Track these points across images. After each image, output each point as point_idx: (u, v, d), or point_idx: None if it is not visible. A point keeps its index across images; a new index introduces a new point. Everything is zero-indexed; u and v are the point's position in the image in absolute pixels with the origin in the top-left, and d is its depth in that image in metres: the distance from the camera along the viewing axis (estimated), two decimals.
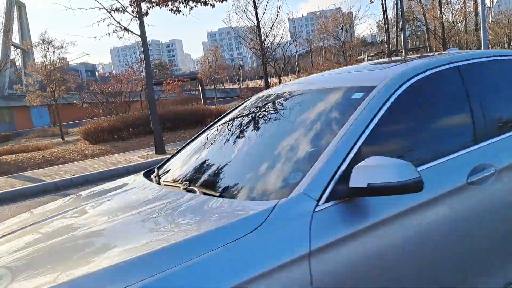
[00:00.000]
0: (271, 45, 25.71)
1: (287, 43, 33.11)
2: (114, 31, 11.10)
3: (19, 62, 65.69)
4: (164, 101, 32.01)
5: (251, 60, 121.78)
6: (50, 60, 24.17)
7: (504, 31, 29.79)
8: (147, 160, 10.78)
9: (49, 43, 23.73)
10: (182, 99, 35.18)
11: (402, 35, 16.08)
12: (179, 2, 11.67)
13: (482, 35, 16.65)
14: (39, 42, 24.84)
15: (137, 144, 14.19)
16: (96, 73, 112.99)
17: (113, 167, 10.44)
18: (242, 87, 49.45)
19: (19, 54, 65.89)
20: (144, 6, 11.54)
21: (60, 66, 26.14)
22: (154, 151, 11.76)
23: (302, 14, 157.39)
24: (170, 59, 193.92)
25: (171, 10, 11.70)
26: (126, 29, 11.26)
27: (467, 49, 33.18)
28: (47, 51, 24.11)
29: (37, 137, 30.10)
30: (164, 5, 11.53)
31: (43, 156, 13.40)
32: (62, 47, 24.55)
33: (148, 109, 12.12)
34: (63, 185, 9.57)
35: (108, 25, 10.73)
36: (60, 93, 25.52)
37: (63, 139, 23.85)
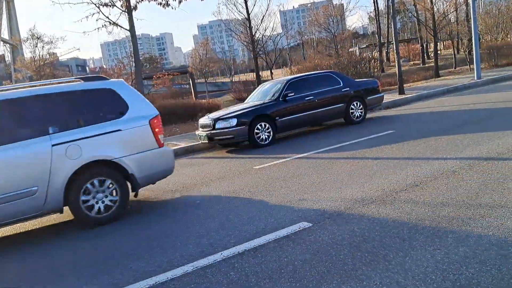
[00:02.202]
0: (262, 38, 25.61)
1: (278, 35, 33.00)
2: (103, 26, 11.00)
3: (8, 58, 64.97)
4: (155, 96, 31.83)
5: (242, 53, 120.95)
6: (39, 56, 23.88)
7: (494, 21, 29.89)
8: None
9: (38, 38, 23.44)
10: (173, 93, 34.95)
11: (392, 27, 16.05)
12: None
13: (472, 26, 16.70)
14: (27, 37, 24.55)
15: None
16: (87, 68, 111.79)
17: None
18: (233, 80, 49.17)
19: (8, 49, 65.13)
20: (133, 0, 11.45)
21: (50, 61, 25.84)
22: None
23: (293, 6, 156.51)
24: (161, 52, 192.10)
25: (160, 3, 11.61)
26: (115, 23, 11.17)
27: (458, 39, 33.21)
28: (36, 46, 23.83)
29: None
30: None
31: None
32: (52, 42, 24.27)
33: None
34: None
35: (96, 20, 10.64)
36: None
37: None
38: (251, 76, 47.87)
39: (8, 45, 64.41)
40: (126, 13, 11.26)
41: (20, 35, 59.76)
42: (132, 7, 11.35)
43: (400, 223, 3.98)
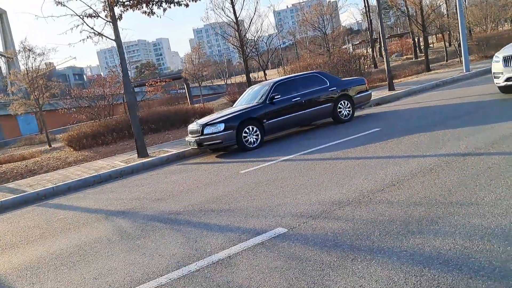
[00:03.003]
0: (254, 39, 25.63)
1: (269, 36, 33.00)
2: (88, 37, 11.01)
3: (5, 71, 65.01)
4: (150, 102, 31.90)
5: (239, 55, 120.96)
6: (32, 68, 23.91)
7: (483, 13, 29.88)
8: (129, 164, 10.78)
9: (29, 50, 23.48)
10: (170, 98, 35.03)
11: (379, 24, 16.08)
12: (152, 4, 11.59)
13: (459, 19, 16.75)
14: (19, 50, 24.58)
15: (121, 148, 14.16)
16: (84, 76, 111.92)
17: (95, 173, 10.43)
18: (228, 83, 49.21)
19: (4, 62, 65.15)
20: (117, 10, 11.47)
21: (43, 73, 25.85)
22: (137, 155, 11.74)
23: (287, 6, 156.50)
24: (158, 58, 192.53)
25: (145, 12, 11.62)
26: (100, 34, 11.18)
27: (448, 32, 33.22)
28: (28, 58, 23.87)
29: (24, 146, 29.89)
30: (137, 8, 11.45)
31: (26, 166, 13.35)
32: (44, 53, 24.28)
33: (128, 114, 12.06)
34: (45, 194, 9.55)
35: (80, 32, 10.63)
36: (44, 100, 25.30)
37: (50, 146, 23.68)
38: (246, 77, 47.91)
39: (3, 58, 64.48)
40: (111, 23, 11.28)
41: (15, 48, 59.90)
42: (116, 17, 11.38)
43: (372, 225, 4.01)
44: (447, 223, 3.73)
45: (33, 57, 23.75)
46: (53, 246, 5.49)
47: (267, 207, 5.24)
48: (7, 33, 66.67)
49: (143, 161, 10.93)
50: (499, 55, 9.78)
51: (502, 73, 9.62)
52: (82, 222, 6.50)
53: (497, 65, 9.80)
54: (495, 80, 10.03)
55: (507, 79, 9.58)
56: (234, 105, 12.52)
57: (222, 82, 62.69)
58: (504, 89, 10.13)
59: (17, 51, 26.52)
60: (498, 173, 4.71)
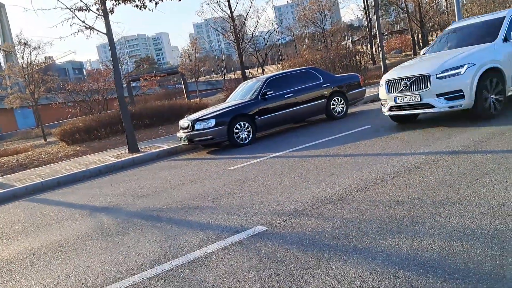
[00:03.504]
0: (252, 35, 25.46)
1: (268, 31, 32.83)
2: (78, 31, 10.89)
3: (4, 64, 64.82)
4: (147, 97, 31.74)
5: (238, 50, 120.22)
6: (27, 61, 23.78)
7: (481, 9, 29.66)
8: (119, 160, 10.69)
9: (25, 44, 23.35)
10: (167, 93, 34.86)
11: (376, 20, 15.95)
12: None
13: (456, 16, 16.64)
14: (15, 44, 24.46)
15: (114, 143, 14.07)
16: (84, 70, 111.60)
17: (85, 168, 10.34)
18: (227, 78, 49.04)
19: (3, 55, 64.94)
20: (109, 3, 11.35)
21: (39, 67, 25.73)
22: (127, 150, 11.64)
23: (287, 1, 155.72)
24: (158, 52, 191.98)
25: (137, 6, 11.49)
26: (91, 28, 11.06)
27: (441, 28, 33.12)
28: (23, 52, 23.75)
29: (20, 139, 29.80)
30: (128, 2, 11.32)
31: (17, 160, 13.25)
32: (39, 47, 24.15)
33: (119, 109, 11.96)
34: (34, 189, 9.47)
35: (71, 25, 10.51)
36: (40, 94, 25.19)
37: (45, 140, 23.60)
38: (246, 72, 47.74)
39: (1, 52, 64.24)
40: (102, 17, 11.15)
41: (13, 41, 59.68)
42: (108, 11, 11.25)
43: (351, 224, 3.92)
44: (427, 223, 3.63)
45: (28, 50, 23.64)
46: (33, 242, 5.41)
47: (250, 205, 5.14)
48: (6, 27, 66.39)
49: (133, 156, 10.83)
50: (383, 79, 8.18)
51: (386, 100, 8.06)
52: (65, 218, 6.41)
53: (381, 90, 8.25)
54: (382, 108, 8.37)
55: (391, 108, 7.98)
56: (226, 100, 12.41)
57: (221, 78, 62.49)
58: (395, 119, 8.49)
59: (12, 45, 26.43)
60: (484, 172, 4.62)
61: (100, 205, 6.81)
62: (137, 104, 24.07)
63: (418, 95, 7.30)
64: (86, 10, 11.03)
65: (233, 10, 19.04)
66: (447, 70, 7.07)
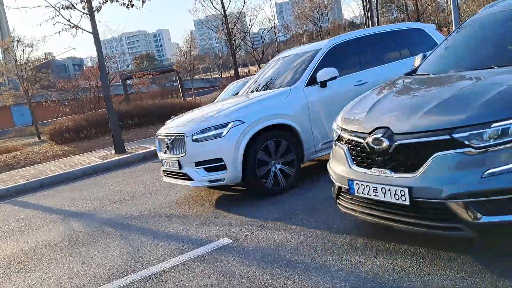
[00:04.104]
0: (245, 32, 25.27)
1: (265, 29, 32.64)
2: (63, 29, 10.72)
3: (2, 61, 64.81)
4: (143, 95, 31.60)
5: (239, 48, 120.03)
6: (20, 58, 23.65)
7: (479, 8, 29.38)
8: (105, 161, 10.53)
9: (18, 41, 23.20)
10: (162, 91, 34.73)
11: (371, 17, 15.77)
12: None
13: (452, 14, 16.46)
14: (8, 41, 24.33)
15: (102, 143, 13.91)
16: (84, 66, 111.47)
17: (70, 170, 10.19)
18: (223, 76, 48.90)
19: (2, 53, 64.90)
20: (95, 1, 11.16)
21: (33, 65, 25.60)
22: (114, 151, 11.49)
23: None
24: (158, 49, 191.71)
25: (123, 4, 11.30)
26: (76, 26, 10.88)
27: (447, 28, 32.92)
28: (16, 49, 23.60)
29: (15, 137, 29.70)
30: (115, 0, 11.14)
31: (3, 160, 13.11)
32: (33, 44, 24.00)
33: (106, 108, 11.80)
34: (16, 191, 9.31)
35: (54, 24, 10.34)
36: (34, 91, 25.04)
37: (39, 138, 23.48)
38: (244, 70, 47.63)
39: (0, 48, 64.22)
40: (88, 16, 10.97)
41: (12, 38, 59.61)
42: (94, 9, 11.06)
43: (318, 238, 3.76)
44: (394, 239, 3.47)
45: (22, 48, 23.49)
46: None
47: (221, 214, 4.99)
48: (4, 24, 66.23)
49: (119, 158, 10.67)
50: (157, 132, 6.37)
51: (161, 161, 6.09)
52: (38, 223, 6.26)
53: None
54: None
55: (164, 172, 6.01)
56: (215, 102, 12.11)
57: (220, 75, 62.35)
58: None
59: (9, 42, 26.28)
60: None
61: (76, 210, 6.66)
62: (132, 102, 23.93)
63: (177, 162, 5.35)
64: (71, 9, 10.84)
65: (226, 8, 18.81)
66: (207, 130, 5.11)
